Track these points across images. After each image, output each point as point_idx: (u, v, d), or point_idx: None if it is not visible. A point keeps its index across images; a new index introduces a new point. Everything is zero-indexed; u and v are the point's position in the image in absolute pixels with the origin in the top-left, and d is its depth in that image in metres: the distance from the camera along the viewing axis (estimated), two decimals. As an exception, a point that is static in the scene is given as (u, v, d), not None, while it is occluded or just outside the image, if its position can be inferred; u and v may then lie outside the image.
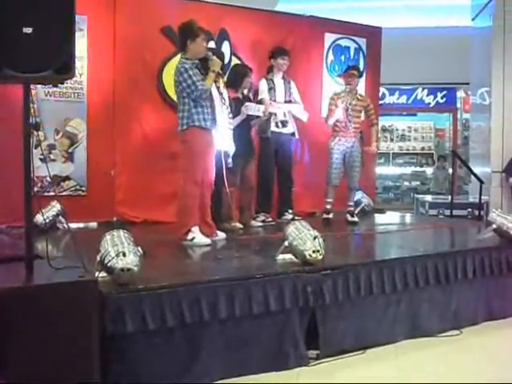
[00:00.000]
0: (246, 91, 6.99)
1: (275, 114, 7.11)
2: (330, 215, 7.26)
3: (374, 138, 7.54)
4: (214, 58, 5.70)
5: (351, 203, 7.44)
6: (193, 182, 5.51)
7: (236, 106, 6.51)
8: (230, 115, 6.18)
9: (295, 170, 7.72)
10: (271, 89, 7.16)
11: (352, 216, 7.37)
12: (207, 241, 5.55)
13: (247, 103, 6.75)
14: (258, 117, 6.87)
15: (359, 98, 7.40)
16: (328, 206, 7.32)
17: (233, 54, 7.74)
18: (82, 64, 6.78)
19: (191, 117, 5.51)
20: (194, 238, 5.49)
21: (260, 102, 6.99)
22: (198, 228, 5.56)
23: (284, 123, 7.23)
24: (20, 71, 3.27)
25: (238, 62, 7.60)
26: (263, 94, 7.10)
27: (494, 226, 5.62)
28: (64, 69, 3.40)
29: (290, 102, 7.29)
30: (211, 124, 5.67)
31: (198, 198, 5.59)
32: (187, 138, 5.55)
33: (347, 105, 7.19)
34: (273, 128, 7.13)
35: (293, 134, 7.41)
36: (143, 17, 7.26)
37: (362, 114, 7.42)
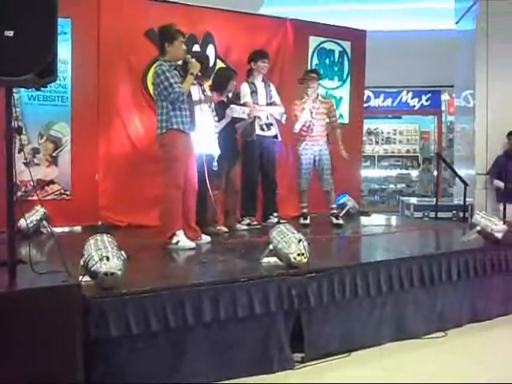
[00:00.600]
0: (230, 94, 6.98)
1: (259, 117, 7.11)
2: (307, 220, 7.32)
3: (341, 143, 7.47)
4: (193, 60, 5.67)
5: (333, 205, 7.48)
6: (174, 186, 5.49)
7: (221, 110, 6.51)
8: (216, 118, 6.18)
9: (279, 173, 7.73)
10: (253, 92, 7.16)
11: (337, 218, 7.40)
12: (192, 244, 5.53)
13: (232, 105, 6.74)
14: (242, 119, 6.85)
15: (321, 100, 7.47)
16: (304, 211, 7.41)
17: (217, 57, 7.75)
18: (65, 67, 6.75)
19: (169, 120, 5.47)
20: (178, 242, 5.47)
21: (243, 106, 6.99)
22: (183, 232, 5.55)
23: (268, 126, 7.24)
24: (2, 75, 3.24)
25: (222, 65, 7.60)
26: (246, 97, 7.10)
27: (479, 228, 5.65)
28: (46, 72, 3.38)
29: (270, 104, 7.29)
30: (190, 127, 5.65)
31: (180, 201, 5.55)
32: (166, 142, 5.52)
33: (311, 108, 7.24)
34: (257, 131, 7.14)
35: (275, 137, 7.42)
36: (127, 20, 7.26)
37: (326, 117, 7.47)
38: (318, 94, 7.47)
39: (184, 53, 5.71)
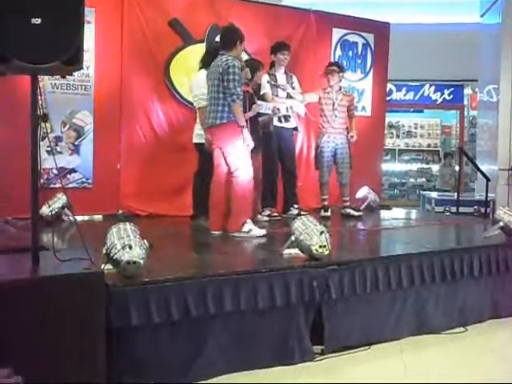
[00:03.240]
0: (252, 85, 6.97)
1: (278, 109, 7.10)
2: (328, 212, 7.32)
3: (354, 130, 7.51)
4: (247, 70, 5.94)
5: (346, 198, 7.51)
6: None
7: (247, 100, 6.51)
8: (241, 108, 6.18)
9: (299, 165, 7.72)
10: (274, 83, 7.15)
11: (355, 210, 7.45)
12: (263, 232, 5.65)
13: (259, 101, 6.77)
14: (266, 114, 6.90)
15: (344, 93, 7.50)
16: (325, 203, 7.43)
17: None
18: (89, 56, 6.75)
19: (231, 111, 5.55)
20: (250, 230, 5.58)
21: (262, 97, 6.99)
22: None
23: (287, 118, 7.23)
24: (28, 62, 3.26)
25: (246, 56, 7.58)
26: (265, 88, 7.09)
27: (501, 223, 5.59)
28: (72, 60, 3.38)
29: (291, 97, 7.28)
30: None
31: (252, 191, 5.74)
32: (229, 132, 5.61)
33: (334, 100, 7.28)
34: (275, 123, 7.13)
35: (295, 129, 7.42)
36: (151, 10, 7.28)
37: None
38: (340, 87, 7.47)
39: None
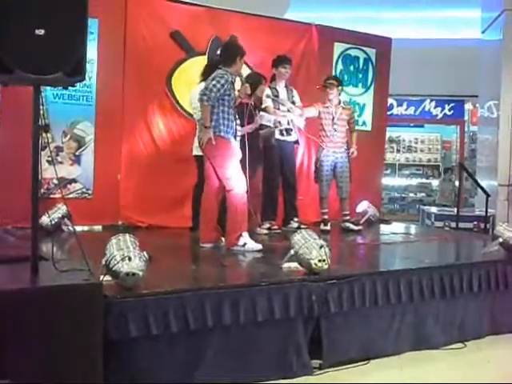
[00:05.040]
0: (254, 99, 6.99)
1: (279, 122, 7.10)
2: (328, 226, 7.28)
3: (355, 144, 7.48)
4: (247, 85, 5.87)
5: (346, 212, 7.48)
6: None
7: (247, 113, 6.54)
8: (238, 121, 6.18)
9: (300, 178, 7.73)
10: (275, 97, 7.17)
11: (354, 224, 7.43)
12: (258, 246, 5.61)
13: (261, 113, 6.79)
14: (268, 127, 6.93)
15: (343, 106, 7.49)
16: (325, 217, 7.40)
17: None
18: (91, 67, 6.77)
19: (218, 126, 5.55)
20: (245, 244, 5.56)
21: (264, 111, 7.00)
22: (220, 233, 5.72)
23: (288, 131, 7.23)
24: (31, 73, 3.27)
25: (247, 69, 7.60)
26: (267, 101, 7.10)
27: (501, 239, 5.60)
28: (75, 71, 3.41)
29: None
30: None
31: (246, 203, 5.68)
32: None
33: (333, 114, 7.27)
34: (277, 136, 7.13)
35: (296, 142, 7.44)
36: (153, 21, 7.31)
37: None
38: (340, 101, 7.47)
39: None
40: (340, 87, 7.49)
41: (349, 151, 7.43)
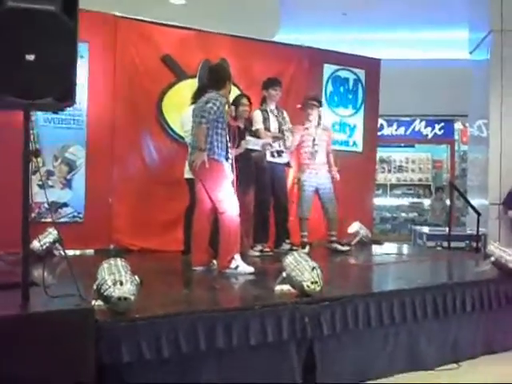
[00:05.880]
0: (243, 121, 7.01)
1: (270, 144, 7.10)
2: (306, 249, 7.02)
3: (334, 166, 7.46)
4: (232, 107, 6.12)
5: (333, 233, 7.44)
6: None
7: (236, 135, 6.54)
8: (229, 144, 6.19)
9: (291, 200, 7.73)
10: (265, 119, 7.18)
11: (341, 245, 7.41)
12: (251, 269, 5.59)
13: (248, 137, 6.81)
14: (257, 150, 6.93)
15: (323, 128, 7.49)
16: (304, 239, 7.30)
17: (232, 83, 7.76)
18: (82, 91, 6.78)
19: (212, 149, 5.56)
20: (237, 267, 5.54)
21: (255, 133, 7.02)
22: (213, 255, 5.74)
23: (279, 153, 7.25)
24: (21, 98, 3.27)
25: (237, 91, 7.63)
26: (257, 124, 7.12)
27: (493, 258, 5.59)
28: (65, 96, 3.41)
29: (282, 132, 7.30)
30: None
31: (239, 225, 5.66)
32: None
33: (313, 135, 7.26)
34: (268, 158, 7.15)
35: (287, 164, 7.43)
36: (144, 45, 7.35)
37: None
38: (319, 122, 7.45)
39: None
40: (320, 108, 7.48)
41: (331, 173, 7.39)
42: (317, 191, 7.32)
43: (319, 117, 7.46)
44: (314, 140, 7.27)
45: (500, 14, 9.39)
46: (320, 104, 7.51)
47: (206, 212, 5.72)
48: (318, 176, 7.30)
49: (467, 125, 12.40)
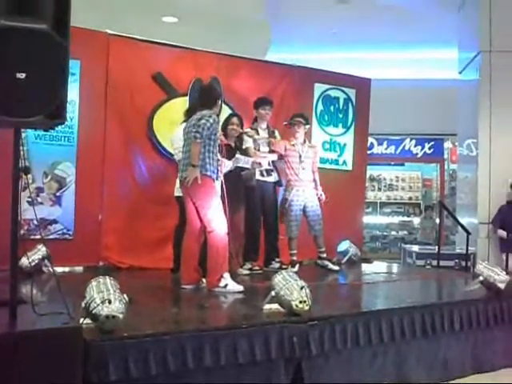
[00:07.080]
0: (234, 139, 7.03)
1: (259, 163, 7.12)
2: (295, 268, 6.99)
3: (319, 186, 7.43)
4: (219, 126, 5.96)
5: (322, 249, 7.42)
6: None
7: (226, 154, 6.55)
8: (220, 162, 6.21)
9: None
10: (255, 139, 7.20)
11: (333, 263, 7.42)
12: (240, 288, 5.57)
13: (237, 155, 6.81)
14: (247, 169, 6.94)
15: (309, 145, 7.51)
16: (293, 258, 7.27)
17: (223, 102, 7.80)
18: (73, 108, 6.80)
19: (204, 166, 5.57)
20: (227, 285, 5.52)
21: (245, 151, 7.04)
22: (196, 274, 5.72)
23: (269, 172, 7.27)
24: (12, 116, 3.27)
25: (228, 110, 7.65)
26: (247, 143, 7.14)
27: (481, 277, 5.62)
28: (55, 115, 3.40)
29: (272, 151, 7.33)
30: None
31: (227, 244, 5.66)
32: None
33: (300, 152, 7.26)
34: (258, 176, 7.16)
35: (277, 183, 7.44)
36: (135, 63, 7.36)
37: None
38: (305, 140, 7.45)
39: None
40: (307, 126, 7.49)
41: (317, 192, 7.39)
42: (304, 208, 7.30)
43: (305, 134, 7.46)
44: (300, 157, 7.26)
45: (489, 35, 9.47)
46: (306, 121, 7.50)
47: (195, 230, 5.72)
48: (305, 194, 7.28)
49: (456, 144, 12.46)
